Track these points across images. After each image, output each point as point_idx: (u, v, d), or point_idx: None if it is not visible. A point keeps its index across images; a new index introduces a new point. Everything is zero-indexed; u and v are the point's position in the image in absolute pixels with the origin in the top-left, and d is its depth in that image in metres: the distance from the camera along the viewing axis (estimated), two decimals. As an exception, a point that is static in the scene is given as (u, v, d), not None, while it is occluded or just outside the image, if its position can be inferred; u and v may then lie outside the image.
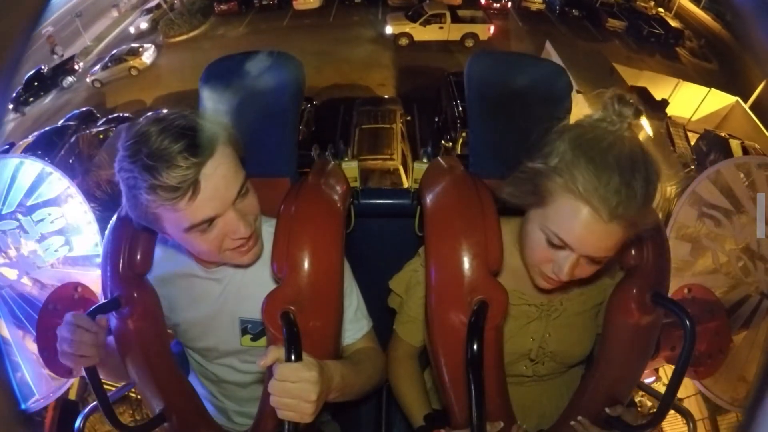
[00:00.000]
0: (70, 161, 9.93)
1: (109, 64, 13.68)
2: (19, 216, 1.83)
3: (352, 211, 1.52)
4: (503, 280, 1.19)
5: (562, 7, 15.09)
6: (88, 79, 13.51)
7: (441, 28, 13.97)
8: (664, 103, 11.13)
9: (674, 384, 1.15)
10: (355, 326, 1.38)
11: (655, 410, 1.23)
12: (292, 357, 1.00)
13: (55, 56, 13.82)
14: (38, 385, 1.76)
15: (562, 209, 1.05)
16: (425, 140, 10.09)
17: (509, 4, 15.26)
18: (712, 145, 10.15)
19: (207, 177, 1.05)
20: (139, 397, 1.40)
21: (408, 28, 13.98)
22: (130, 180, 1.04)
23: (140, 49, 13.97)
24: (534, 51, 12.36)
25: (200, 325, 1.35)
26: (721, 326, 1.67)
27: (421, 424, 1.36)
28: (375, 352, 1.42)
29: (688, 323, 1.09)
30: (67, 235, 1.86)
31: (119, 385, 1.45)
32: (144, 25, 15.11)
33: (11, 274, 1.83)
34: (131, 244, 1.28)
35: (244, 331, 1.34)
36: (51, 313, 1.72)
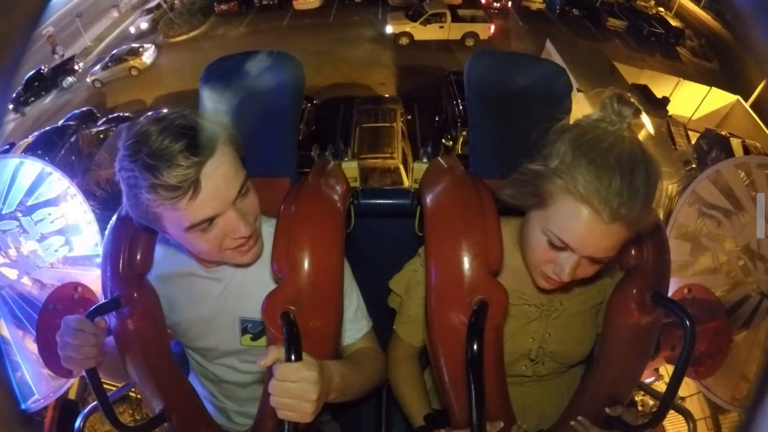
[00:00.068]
0: (71, 160, 9.93)
1: (110, 64, 13.68)
2: (19, 216, 1.83)
3: (352, 211, 1.52)
4: (503, 280, 1.19)
5: (563, 7, 15.08)
6: (88, 79, 13.51)
7: (441, 27, 13.97)
8: (665, 100, 11.12)
9: (674, 384, 1.15)
10: (355, 326, 1.38)
11: (655, 410, 1.23)
12: (292, 357, 1.00)
13: (56, 56, 13.81)
14: (38, 385, 1.76)
15: (563, 211, 1.05)
16: (426, 139, 10.08)
17: (509, 4, 15.24)
18: (713, 143, 10.14)
19: (207, 176, 1.05)
20: (139, 396, 1.40)
21: (408, 27, 13.98)
22: (131, 179, 1.04)
23: (140, 49, 13.96)
24: (534, 50, 12.35)
25: (200, 325, 1.35)
26: (721, 326, 1.67)
27: (421, 424, 1.36)
28: (375, 352, 1.42)
29: (688, 323, 1.09)
30: (67, 235, 1.87)
31: (119, 385, 1.45)
32: (144, 25, 15.10)
33: (11, 274, 1.83)
34: (131, 244, 1.28)
35: (244, 331, 1.34)
36: (51, 313, 1.72)
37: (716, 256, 1.78)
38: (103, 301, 1.26)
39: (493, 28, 14.10)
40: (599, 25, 14.63)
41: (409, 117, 10.23)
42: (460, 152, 8.43)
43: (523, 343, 1.32)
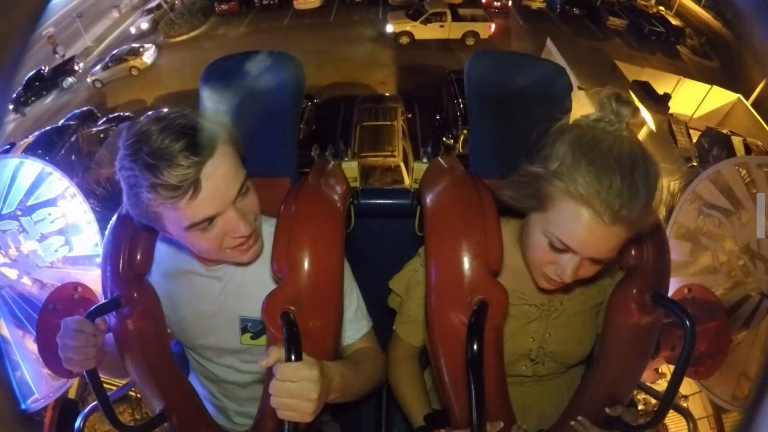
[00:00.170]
0: (71, 159, 9.93)
1: (110, 64, 13.67)
2: (19, 216, 1.83)
3: (352, 211, 1.52)
4: (503, 280, 1.19)
5: (563, 6, 15.05)
6: (88, 79, 13.50)
7: (442, 26, 13.95)
8: (667, 97, 11.07)
9: (674, 384, 1.15)
10: (355, 326, 1.38)
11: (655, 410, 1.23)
12: (292, 357, 1.00)
13: (57, 56, 13.81)
14: (38, 385, 1.77)
15: (564, 213, 1.05)
16: (426, 137, 10.08)
17: (510, 3, 15.22)
18: (714, 142, 10.12)
19: (207, 176, 1.05)
20: (138, 396, 1.40)
21: (409, 26, 13.96)
22: (131, 178, 1.04)
23: (141, 49, 13.95)
24: (535, 49, 12.33)
25: (200, 323, 1.36)
26: (721, 326, 1.67)
27: (421, 424, 1.36)
28: (375, 352, 1.42)
29: (688, 323, 1.09)
30: (67, 235, 1.87)
31: (119, 385, 1.45)
32: (145, 26, 15.08)
33: (11, 274, 1.83)
34: (131, 244, 1.28)
35: (244, 330, 1.34)
36: (51, 313, 1.72)
37: (716, 256, 1.78)
38: (103, 301, 1.26)
39: (493, 27, 14.08)
40: (600, 24, 14.61)
41: (410, 115, 10.22)
42: (461, 151, 8.44)
43: (523, 343, 1.32)
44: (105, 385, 1.21)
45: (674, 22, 14.27)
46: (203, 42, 14.52)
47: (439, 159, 1.47)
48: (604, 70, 12.21)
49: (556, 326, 1.32)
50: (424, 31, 13.95)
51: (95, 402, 1.23)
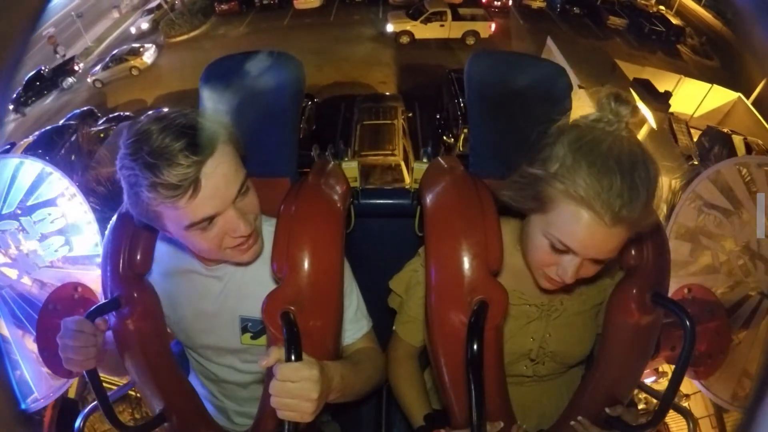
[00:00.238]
0: (71, 159, 9.93)
1: (110, 64, 13.66)
2: (19, 216, 1.83)
3: (352, 211, 1.52)
4: (503, 280, 1.19)
5: (563, 5, 15.04)
6: (89, 79, 13.49)
7: (442, 26, 13.94)
8: (668, 94, 11.02)
9: (674, 384, 1.15)
10: (355, 326, 1.38)
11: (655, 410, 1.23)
12: (292, 357, 1.00)
13: (58, 56, 13.81)
14: (38, 385, 1.77)
15: (565, 215, 1.05)
16: (426, 136, 10.09)
17: (510, 2, 15.21)
18: (715, 140, 10.10)
19: (207, 175, 1.05)
20: (138, 396, 1.41)
21: (409, 26, 13.95)
22: (131, 178, 1.05)
23: (141, 49, 13.94)
24: (535, 48, 12.32)
25: (200, 323, 1.36)
26: (721, 326, 1.67)
27: (421, 424, 1.36)
28: (375, 352, 1.42)
29: (688, 323, 1.09)
30: (67, 235, 1.87)
31: (119, 385, 1.45)
32: (145, 26, 15.06)
33: (11, 274, 1.83)
34: (131, 244, 1.29)
35: (244, 330, 1.34)
36: (51, 313, 1.73)
37: (716, 256, 1.78)
38: (103, 301, 1.26)
39: (493, 26, 14.06)
40: (600, 24, 14.59)
41: (410, 114, 10.22)
42: (461, 150, 8.44)
43: (524, 343, 1.32)
44: (105, 385, 1.21)
45: (675, 21, 14.26)
46: (203, 42, 14.51)
47: (439, 159, 1.47)
48: (604, 69, 12.20)
49: (556, 326, 1.32)
50: (424, 31, 13.94)
51: (95, 402, 1.23)
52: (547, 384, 1.42)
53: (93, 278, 1.82)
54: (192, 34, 14.94)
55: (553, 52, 11.80)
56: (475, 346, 1.06)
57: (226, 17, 15.40)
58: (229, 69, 1.45)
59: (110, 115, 11.78)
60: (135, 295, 1.27)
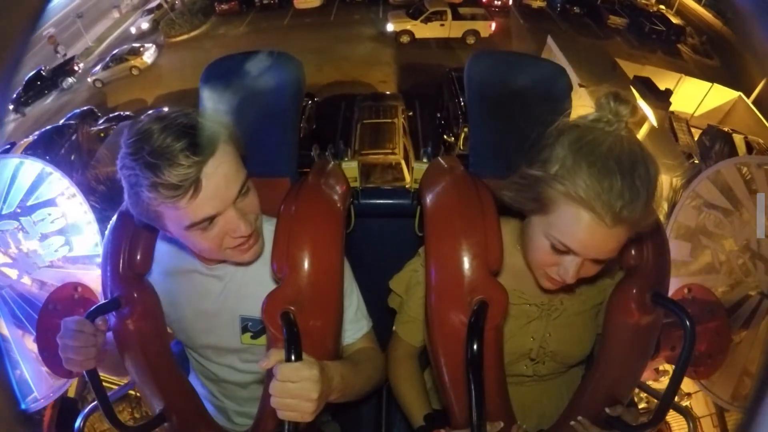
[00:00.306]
0: (71, 158, 9.94)
1: (110, 63, 13.66)
2: (19, 216, 1.83)
3: (352, 211, 1.52)
4: (503, 279, 1.19)
5: (563, 5, 15.04)
6: (89, 79, 13.49)
7: (442, 25, 13.94)
8: (668, 92, 10.99)
9: (674, 384, 1.15)
10: (355, 326, 1.38)
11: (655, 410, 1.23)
12: (292, 357, 1.00)
13: (59, 55, 13.82)
14: (38, 385, 1.77)
15: (565, 216, 1.05)
16: (427, 135, 10.10)
17: (510, 2, 15.22)
18: (716, 139, 10.10)
19: (208, 175, 1.05)
20: (138, 395, 1.41)
21: (409, 25, 13.95)
22: (132, 177, 1.05)
23: (141, 49, 13.94)
24: (535, 48, 12.32)
25: (201, 322, 1.36)
26: (721, 326, 1.67)
27: (421, 424, 1.36)
28: (375, 352, 1.42)
29: (688, 323, 1.09)
30: (67, 235, 1.87)
31: (119, 385, 1.45)
32: (145, 26, 15.07)
33: (11, 274, 1.83)
34: (131, 244, 1.29)
35: (244, 329, 1.34)
36: (51, 313, 1.73)
37: (716, 256, 1.78)
38: (103, 301, 1.26)
39: (493, 25, 14.07)
40: (600, 23, 14.59)
41: (410, 113, 10.22)
42: (461, 148, 8.44)
43: (524, 342, 1.32)
44: (105, 385, 1.21)
45: (675, 20, 14.26)
46: (204, 42, 14.52)
47: (439, 159, 1.47)
48: (605, 68, 12.19)
49: (556, 326, 1.31)
50: (424, 30, 13.94)
51: (95, 402, 1.23)
52: (547, 384, 1.42)
53: (93, 278, 1.82)
54: (192, 33, 14.95)
55: (553, 51, 11.80)
56: (475, 346, 1.06)
57: (226, 17, 15.41)
58: (229, 69, 1.45)
59: (110, 115, 11.78)
60: (135, 295, 1.27)
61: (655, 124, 9.53)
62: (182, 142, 1.02)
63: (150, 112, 1.08)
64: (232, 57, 1.47)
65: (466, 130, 8.88)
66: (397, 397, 1.45)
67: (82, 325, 1.13)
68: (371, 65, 13.15)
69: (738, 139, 9.87)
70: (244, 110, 1.39)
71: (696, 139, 10.57)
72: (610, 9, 14.66)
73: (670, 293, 1.31)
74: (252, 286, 1.30)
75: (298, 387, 1.00)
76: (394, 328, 1.47)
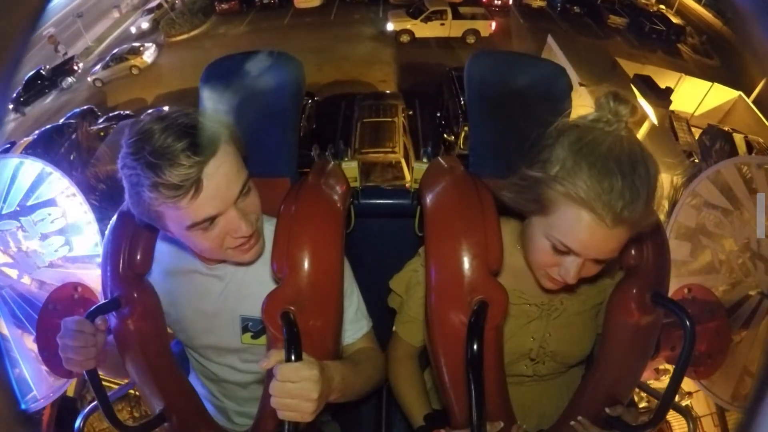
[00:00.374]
0: (71, 157, 9.94)
1: (110, 63, 13.67)
2: (20, 216, 1.83)
3: (352, 211, 1.52)
4: (503, 279, 1.19)
5: (564, 4, 15.04)
6: (89, 79, 13.50)
7: (442, 24, 13.95)
8: (669, 90, 10.97)
9: (674, 384, 1.15)
10: (355, 326, 1.38)
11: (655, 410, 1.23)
12: (292, 357, 1.00)
13: (59, 54, 13.83)
14: (38, 385, 1.76)
15: (566, 217, 1.05)
16: (427, 134, 10.11)
17: (510, 1, 15.23)
18: (716, 138, 10.10)
19: (209, 176, 1.05)
20: (137, 394, 1.41)
21: (409, 24, 13.96)
22: (133, 177, 1.04)
23: (141, 48, 13.95)
24: (535, 47, 12.33)
25: (201, 322, 1.36)
26: (721, 326, 1.67)
27: (421, 424, 1.36)
28: (375, 352, 1.42)
29: (688, 323, 1.09)
30: (67, 235, 1.86)
31: (119, 385, 1.45)
32: (145, 25, 15.08)
33: (11, 273, 1.83)
34: (131, 244, 1.28)
35: (244, 329, 1.34)
36: (51, 313, 1.72)
37: (716, 256, 1.78)
38: (103, 301, 1.26)
39: (494, 25, 14.08)
40: (600, 23, 14.60)
41: (411, 113, 10.22)
42: (461, 147, 8.45)
43: (524, 342, 1.32)
44: (104, 384, 1.21)
45: (675, 20, 14.26)
46: (204, 41, 14.53)
47: (439, 159, 1.47)
48: (605, 67, 12.19)
49: (556, 326, 1.31)
50: (424, 29, 13.95)
51: (95, 402, 1.23)
52: (547, 384, 1.42)
53: (93, 278, 1.82)
54: (192, 33, 14.96)
55: (553, 50, 11.80)
56: (475, 346, 1.06)
57: (227, 16, 15.43)
58: (229, 69, 1.45)
59: (110, 114, 11.79)
60: (135, 295, 1.27)
61: (655, 122, 9.52)
62: (183, 142, 1.01)
63: (150, 111, 1.09)
64: (232, 57, 1.47)
65: (466, 129, 8.89)
66: (397, 397, 1.45)
67: (82, 325, 1.13)
68: (371, 64, 13.16)
69: (738, 138, 9.87)
70: (244, 110, 1.39)
71: (696, 138, 10.57)
72: (610, 9, 14.67)
73: (670, 293, 1.31)
74: (252, 286, 1.30)
75: (298, 387, 1.00)
76: (394, 328, 1.47)
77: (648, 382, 1.49)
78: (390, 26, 14.09)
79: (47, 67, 13.36)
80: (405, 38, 14.00)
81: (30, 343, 1.77)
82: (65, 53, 13.97)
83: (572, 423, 1.28)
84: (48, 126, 11.02)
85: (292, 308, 1.14)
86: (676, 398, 1.20)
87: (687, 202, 1.81)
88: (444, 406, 1.29)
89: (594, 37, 14.34)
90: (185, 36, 14.88)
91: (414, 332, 1.41)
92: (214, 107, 1.39)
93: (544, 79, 1.42)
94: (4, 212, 1.82)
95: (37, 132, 10.66)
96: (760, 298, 1.70)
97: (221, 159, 1.07)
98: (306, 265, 1.18)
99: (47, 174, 1.85)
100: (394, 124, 9.00)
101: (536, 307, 1.30)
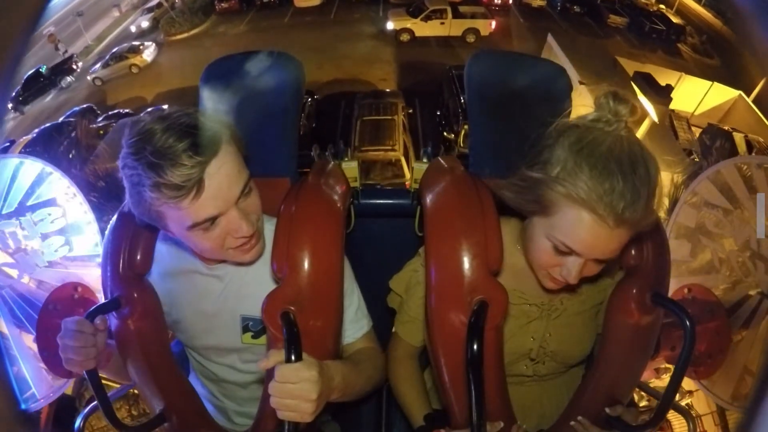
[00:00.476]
0: (70, 155, 9.94)
1: (110, 61, 13.69)
2: (20, 216, 1.83)
3: (352, 211, 1.52)
4: (503, 279, 1.19)
5: (564, 4, 15.06)
6: (89, 77, 13.52)
7: (442, 23, 13.97)
8: (669, 88, 10.96)
9: (674, 384, 1.15)
10: (355, 326, 1.38)
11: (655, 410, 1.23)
12: (292, 357, 1.00)
13: (59, 52, 13.83)
14: (38, 385, 1.76)
15: (567, 218, 1.04)
16: (427, 133, 10.13)
17: (510, 1, 15.25)
18: (716, 137, 10.11)
19: (211, 176, 1.05)
20: (136, 392, 1.41)
21: (409, 23, 13.98)
22: (134, 177, 1.04)
23: (141, 47, 13.96)
24: (535, 47, 12.35)
25: (201, 322, 1.36)
26: (721, 326, 1.66)
27: (421, 424, 1.36)
28: (375, 351, 1.42)
29: (688, 323, 1.09)
30: (67, 235, 1.86)
31: (119, 385, 1.45)
32: (145, 24, 15.10)
33: (11, 273, 1.83)
34: (131, 244, 1.28)
35: (245, 329, 1.34)
36: (51, 313, 1.72)
37: (716, 256, 1.78)
38: (103, 301, 1.26)
39: (494, 24, 14.11)
40: (600, 22, 14.62)
41: (410, 111, 10.23)
42: (461, 146, 8.46)
43: (524, 342, 1.32)
44: (104, 382, 1.21)
45: (675, 20, 14.29)
46: (204, 40, 14.55)
47: (439, 159, 1.47)
48: (605, 66, 12.20)
49: (556, 326, 1.31)
50: (424, 28, 13.97)
51: (95, 402, 1.23)
52: (547, 384, 1.42)
53: (93, 278, 1.82)
54: (192, 32, 14.98)
55: (553, 49, 11.81)
56: (475, 346, 1.06)
57: (227, 15, 15.45)
58: (229, 69, 1.45)
59: (110, 112, 11.80)
60: (135, 295, 1.27)
61: (655, 119, 9.52)
62: (185, 143, 1.01)
63: (150, 109, 1.09)
64: (232, 57, 1.47)
65: (466, 127, 8.90)
66: (397, 397, 1.45)
67: (81, 325, 1.13)
68: (371, 63, 13.18)
69: (738, 137, 9.88)
70: (244, 110, 1.39)
71: (696, 137, 10.58)
72: (611, 8, 14.69)
73: (670, 293, 1.31)
74: (252, 285, 1.30)
75: (298, 387, 1.00)
76: (394, 328, 1.47)
77: (648, 382, 1.49)
78: (390, 25, 14.12)
79: (47, 66, 13.37)
80: (405, 37, 14.02)
81: (30, 342, 1.77)
82: (65, 51, 13.97)
83: (572, 423, 1.28)
84: (47, 124, 11.03)
85: (292, 308, 1.14)
86: (677, 397, 1.20)
87: (687, 199, 1.81)
88: (444, 406, 1.29)
89: (594, 36, 14.37)
90: (185, 35, 14.89)
91: (414, 332, 1.41)
92: (214, 107, 1.39)
93: (544, 79, 1.42)
94: (4, 212, 1.82)
95: (36, 130, 10.66)
96: (760, 298, 1.69)
97: (223, 159, 1.07)
98: (306, 265, 1.18)
99: (47, 174, 1.85)
100: (394, 122, 9.02)
101: (536, 307, 1.30)
